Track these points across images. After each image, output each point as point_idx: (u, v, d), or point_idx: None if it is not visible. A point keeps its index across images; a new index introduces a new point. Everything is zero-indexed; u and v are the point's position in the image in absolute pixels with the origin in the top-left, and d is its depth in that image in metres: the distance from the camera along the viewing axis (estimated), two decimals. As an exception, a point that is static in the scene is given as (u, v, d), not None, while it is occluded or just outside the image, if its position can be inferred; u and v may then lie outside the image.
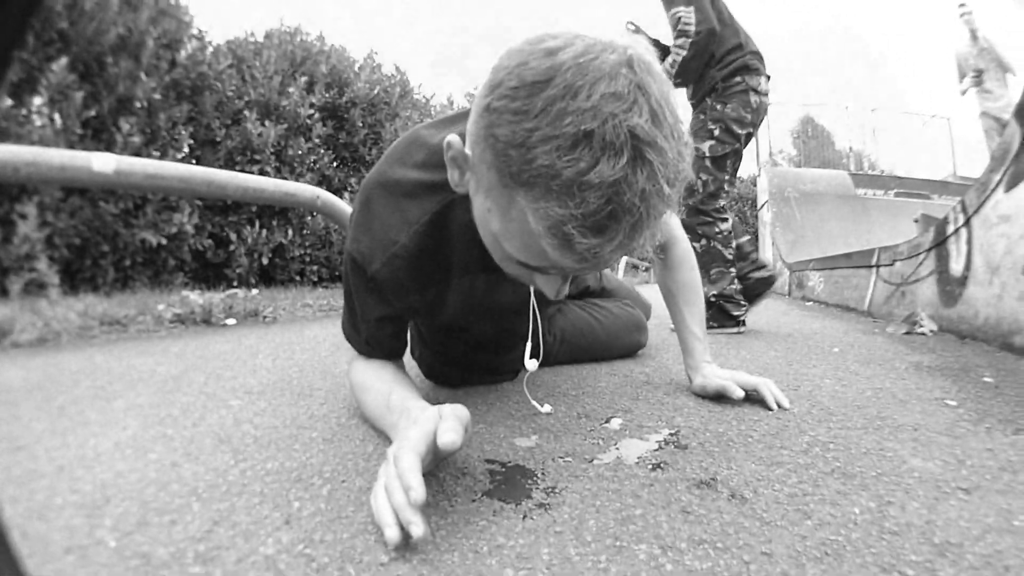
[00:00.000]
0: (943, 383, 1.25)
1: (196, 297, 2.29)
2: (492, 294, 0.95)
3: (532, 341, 1.00)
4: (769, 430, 0.94)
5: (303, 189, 2.47)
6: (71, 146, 3.59)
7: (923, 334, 1.83)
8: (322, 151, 5.75)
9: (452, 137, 0.65)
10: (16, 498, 0.70)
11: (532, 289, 0.98)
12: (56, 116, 3.60)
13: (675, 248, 1.22)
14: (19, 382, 1.23)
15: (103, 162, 1.72)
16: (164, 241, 4.13)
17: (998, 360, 1.41)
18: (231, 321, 2.25)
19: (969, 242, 1.73)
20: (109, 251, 3.95)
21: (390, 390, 0.88)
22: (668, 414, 1.05)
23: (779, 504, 0.68)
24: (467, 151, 0.64)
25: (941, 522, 0.62)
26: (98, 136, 3.93)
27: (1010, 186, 1.51)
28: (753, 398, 1.10)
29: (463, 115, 0.88)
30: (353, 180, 6.05)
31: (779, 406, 1.05)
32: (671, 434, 0.94)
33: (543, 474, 0.77)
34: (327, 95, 5.93)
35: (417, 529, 0.54)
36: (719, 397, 1.12)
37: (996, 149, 1.60)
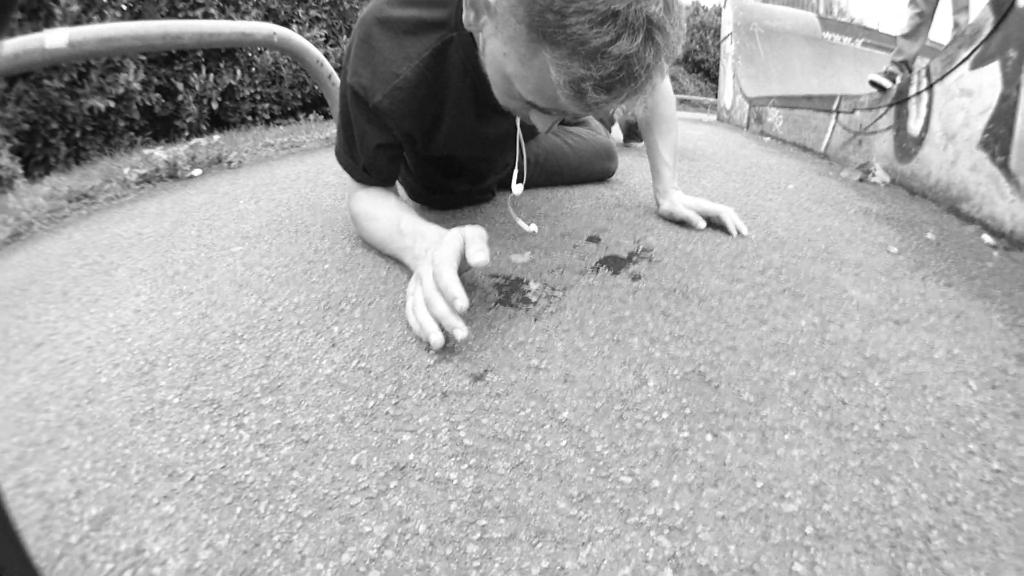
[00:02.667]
0: (888, 231, 1.31)
1: (160, 152, 2.20)
2: (481, 125, 1.02)
3: (518, 168, 1.07)
4: (730, 252, 1.08)
5: (259, 27, 2.45)
6: (10, 33, 3.26)
7: (875, 183, 1.94)
8: (267, -16, 5.13)
9: None
10: (57, 393, 0.64)
11: (518, 122, 1.06)
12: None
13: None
14: (10, 283, 1.07)
15: (55, 38, 1.63)
16: (112, 104, 3.94)
17: (943, 221, 1.48)
18: (197, 172, 2.15)
19: (929, 106, 1.77)
20: (58, 127, 3.80)
21: (399, 216, 0.96)
22: (640, 234, 1.16)
23: (739, 311, 0.83)
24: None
25: (872, 342, 0.77)
26: (35, 15, 3.65)
27: (975, 65, 1.55)
28: (715, 223, 1.22)
29: None
30: (300, 11, 5.51)
31: (738, 232, 1.19)
32: (645, 251, 1.06)
33: (543, 284, 0.88)
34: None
35: (461, 332, 0.66)
36: (684, 222, 1.23)
37: (968, 27, 1.61)
